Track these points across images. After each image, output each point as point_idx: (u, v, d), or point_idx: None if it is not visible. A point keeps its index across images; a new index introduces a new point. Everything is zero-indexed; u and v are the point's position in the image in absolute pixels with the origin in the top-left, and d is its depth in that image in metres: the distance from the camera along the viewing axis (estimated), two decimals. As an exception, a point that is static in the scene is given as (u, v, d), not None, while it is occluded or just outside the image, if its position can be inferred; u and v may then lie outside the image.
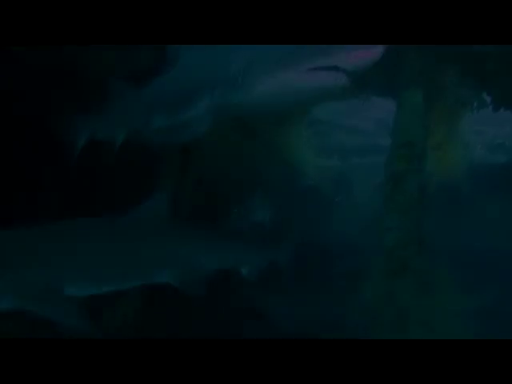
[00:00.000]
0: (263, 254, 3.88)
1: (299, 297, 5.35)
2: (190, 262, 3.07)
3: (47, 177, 4.75)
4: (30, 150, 4.53)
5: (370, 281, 3.66)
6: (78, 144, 4.18)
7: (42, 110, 4.45)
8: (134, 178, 4.96)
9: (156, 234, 3.10)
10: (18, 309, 2.19)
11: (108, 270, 2.69)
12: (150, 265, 2.92)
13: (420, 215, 3.95)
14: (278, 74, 2.62)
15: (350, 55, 2.40)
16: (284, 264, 3.98)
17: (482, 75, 4.47)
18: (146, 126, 3.67)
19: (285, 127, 8.64)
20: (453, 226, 8.69)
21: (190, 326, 4.16)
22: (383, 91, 6.11)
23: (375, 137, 11.21)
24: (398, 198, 3.91)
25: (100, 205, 3.51)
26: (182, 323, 4.15)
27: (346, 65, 2.43)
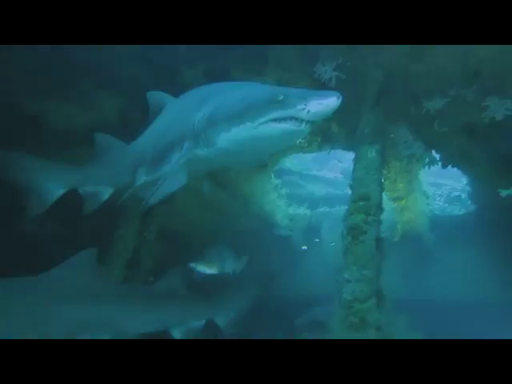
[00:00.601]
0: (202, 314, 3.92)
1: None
2: (123, 325, 3.04)
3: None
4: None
5: (331, 334, 3.61)
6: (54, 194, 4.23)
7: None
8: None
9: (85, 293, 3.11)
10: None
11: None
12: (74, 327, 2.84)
13: (379, 267, 4.02)
14: (238, 127, 2.75)
15: (309, 105, 2.57)
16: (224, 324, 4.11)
17: (430, 135, 4.84)
18: (131, 183, 3.86)
19: (255, 178, 8.87)
20: (416, 277, 8.88)
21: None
22: (347, 144, 6.46)
23: (343, 186, 11.57)
24: (356, 249, 3.98)
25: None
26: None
27: (305, 115, 2.61)
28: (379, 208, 4.25)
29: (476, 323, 7.07)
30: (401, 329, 3.72)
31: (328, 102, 2.58)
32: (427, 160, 5.02)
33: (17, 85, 5.07)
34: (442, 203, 9.92)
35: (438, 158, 4.97)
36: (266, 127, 2.69)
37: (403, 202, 7.83)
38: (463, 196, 9.25)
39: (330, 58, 4.83)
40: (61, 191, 4.29)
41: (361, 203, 4.17)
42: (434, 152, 4.96)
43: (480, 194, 7.62)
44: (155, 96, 3.97)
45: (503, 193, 3.98)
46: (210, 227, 8.24)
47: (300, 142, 7.49)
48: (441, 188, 10.28)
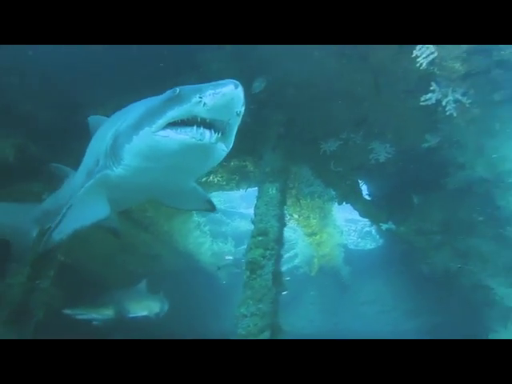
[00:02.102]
0: None
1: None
2: None
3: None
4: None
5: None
6: None
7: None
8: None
9: None
10: None
11: None
12: None
13: (275, 301, 4.11)
14: (138, 135, 2.48)
15: (205, 97, 2.26)
16: None
17: (328, 174, 5.26)
18: None
19: (176, 216, 8.78)
20: (333, 309, 9.19)
21: None
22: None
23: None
24: (254, 284, 4.05)
25: None
26: None
27: (202, 111, 2.27)
28: (278, 243, 4.40)
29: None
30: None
31: (224, 91, 2.18)
32: (326, 197, 5.39)
33: None
34: (355, 238, 10.61)
35: (335, 195, 5.37)
36: (165, 135, 2.33)
37: (318, 237, 8.21)
38: (373, 231, 9.99)
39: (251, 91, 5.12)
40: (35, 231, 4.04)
41: (260, 238, 4.30)
42: (331, 190, 5.35)
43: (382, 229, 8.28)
44: (95, 120, 3.63)
45: (383, 227, 4.37)
46: (130, 268, 7.89)
47: (218, 180, 7.67)
48: (356, 224, 11.01)
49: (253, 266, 4.15)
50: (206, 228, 9.92)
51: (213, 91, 2.22)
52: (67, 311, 4.54)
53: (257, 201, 4.71)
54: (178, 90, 2.33)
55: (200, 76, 5.01)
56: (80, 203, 2.80)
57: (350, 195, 5.14)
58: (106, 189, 2.84)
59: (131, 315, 5.33)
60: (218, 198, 12.20)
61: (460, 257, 4.47)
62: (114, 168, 2.70)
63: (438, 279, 4.94)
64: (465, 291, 4.58)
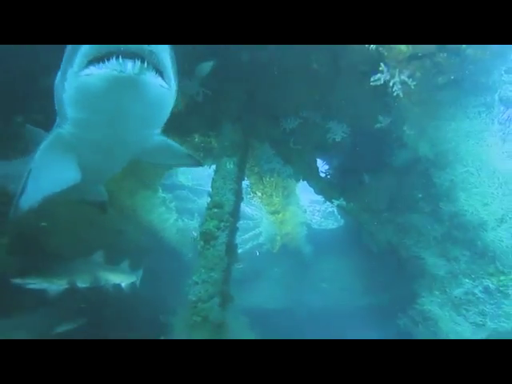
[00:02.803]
0: None
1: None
2: None
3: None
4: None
5: (175, 333, 3.70)
6: None
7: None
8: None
9: None
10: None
11: None
12: None
13: (228, 270, 4.26)
14: (67, 79, 2.33)
15: None
16: None
17: (287, 152, 5.39)
18: None
19: (140, 192, 8.72)
20: (295, 286, 9.51)
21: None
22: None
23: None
24: (207, 253, 4.18)
25: None
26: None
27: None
28: (233, 215, 4.53)
29: (344, 325, 7.79)
30: (241, 327, 3.96)
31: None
32: (285, 174, 5.53)
33: None
34: (319, 218, 10.92)
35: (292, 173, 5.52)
36: (88, 73, 2.18)
37: (281, 215, 8.40)
38: (335, 211, 10.30)
39: (195, 73, 5.11)
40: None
41: (215, 210, 4.41)
42: (290, 167, 5.49)
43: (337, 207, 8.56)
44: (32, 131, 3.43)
45: (335, 203, 4.57)
46: (92, 243, 7.84)
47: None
48: (321, 205, 11.31)
49: (207, 237, 4.28)
50: (172, 204, 9.90)
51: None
52: (17, 280, 4.49)
53: (214, 174, 4.81)
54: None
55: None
56: (43, 167, 2.67)
57: (306, 173, 5.30)
58: (71, 152, 2.73)
59: (84, 286, 5.32)
60: (185, 175, 12.17)
61: (401, 232, 4.75)
62: (64, 125, 2.61)
63: (383, 255, 5.24)
64: (403, 264, 4.90)
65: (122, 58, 2.10)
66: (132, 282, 6.96)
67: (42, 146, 2.68)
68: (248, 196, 7.93)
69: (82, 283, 5.62)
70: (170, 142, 3.14)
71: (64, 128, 2.64)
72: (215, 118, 5.40)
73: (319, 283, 9.54)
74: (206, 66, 4.62)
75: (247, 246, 10.03)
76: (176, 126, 6.19)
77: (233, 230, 4.57)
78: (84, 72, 2.18)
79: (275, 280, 9.84)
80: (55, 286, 4.86)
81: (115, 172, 3.52)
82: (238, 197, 4.76)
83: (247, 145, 5.13)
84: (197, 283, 3.95)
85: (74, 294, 5.23)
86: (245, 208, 11.52)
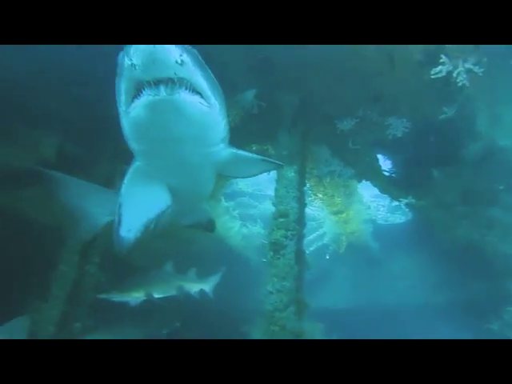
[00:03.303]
0: None
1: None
2: None
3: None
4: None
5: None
6: None
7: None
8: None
9: None
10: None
11: None
12: None
13: (299, 278, 4.32)
14: (122, 117, 2.49)
15: (131, 57, 2.20)
16: None
17: (346, 152, 5.31)
18: None
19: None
20: (365, 285, 9.30)
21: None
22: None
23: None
24: (277, 263, 4.27)
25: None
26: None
27: (138, 73, 2.22)
28: (299, 223, 4.58)
29: (417, 324, 7.47)
30: (318, 333, 4.00)
31: (140, 46, 2.10)
32: (346, 176, 5.46)
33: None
34: (385, 213, 10.53)
35: (353, 174, 5.43)
36: (134, 107, 2.33)
37: (344, 214, 8.27)
38: (402, 205, 9.87)
39: (248, 87, 5.26)
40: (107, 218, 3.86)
41: (281, 220, 4.49)
42: (351, 168, 5.41)
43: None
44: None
45: (403, 202, 4.42)
46: (163, 252, 8.34)
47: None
48: (385, 199, 10.92)
49: (275, 247, 4.37)
50: (236, 212, 10.19)
51: (133, 49, 2.13)
52: (103, 296, 4.94)
53: (276, 184, 4.88)
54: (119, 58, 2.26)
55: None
56: (131, 198, 2.84)
57: (368, 172, 5.18)
58: (153, 179, 2.88)
59: (160, 296, 5.64)
60: (245, 181, 12.44)
61: (482, 227, 4.45)
62: (137, 157, 2.80)
63: (459, 251, 4.94)
64: (486, 261, 4.57)
65: (155, 84, 2.21)
66: (201, 290, 7.21)
67: (125, 180, 2.88)
68: (309, 198, 7.94)
69: (157, 294, 5.97)
70: (241, 152, 3.15)
71: (138, 160, 2.84)
72: (271, 128, 5.50)
73: (389, 280, 9.24)
74: (249, 94, 4.77)
75: (312, 248, 10.01)
76: (232, 138, 6.48)
77: (300, 238, 4.62)
78: (131, 108, 2.34)
79: (344, 279, 9.71)
80: (134, 298, 5.26)
81: (207, 190, 3.58)
82: (302, 203, 4.80)
83: (305, 150, 5.15)
84: (271, 293, 4.05)
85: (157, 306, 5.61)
86: (306, 209, 11.49)
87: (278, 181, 4.87)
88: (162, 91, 2.21)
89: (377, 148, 5.15)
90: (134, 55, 2.12)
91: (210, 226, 4.41)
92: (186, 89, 2.27)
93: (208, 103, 2.39)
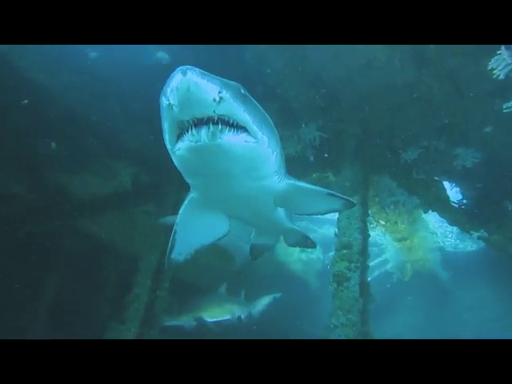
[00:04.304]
0: None
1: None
2: None
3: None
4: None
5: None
6: None
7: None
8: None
9: None
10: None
11: None
12: None
13: (364, 311, 4.30)
14: (170, 155, 2.46)
15: (168, 98, 2.13)
16: None
17: (410, 182, 5.23)
18: None
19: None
20: (433, 316, 8.78)
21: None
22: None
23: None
24: (341, 295, 4.31)
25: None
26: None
27: (177, 113, 2.15)
28: (362, 255, 4.58)
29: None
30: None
31: (175, 85, 2.00)
32: (411, 205, 5.35)
33: (46, 161, 5.98)
34: (453, 240, 9.93)
35: (419, 203, 5.30)
36: (177, 149, 2.30)
37: (408, 241, 8.00)
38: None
39: (311, 120, 5.45)
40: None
41: (344, 251, 4.54)
42: (416, 198, 5.30)
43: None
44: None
45: (474, 235, 4.24)
46: (225, 275, 8.65)
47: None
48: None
49: (339, 279, 4.42)
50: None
51: (170, 89, 2.03)
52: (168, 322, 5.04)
53: (338, 214, 4.95)
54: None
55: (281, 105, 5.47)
56: (186, 226, 2.92)
57: (435, 203, 5.04)
58: (209, 208, 2.90)
59: (213, 320, 5.73)
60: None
61: None
62: (192, 189, 2.83)
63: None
64: None
65: (195, 127, 2.12)
66: (249, 313, 7.23)
67: (181, 209, 2.93)
68: (371, 225, 7.80)
69: (210, 318, 6.06)
70: (301, 184, 2.86)
71: (193, 191, 2.85)
72: (333, 158, 5.61)
73: (463, 312, 8.63)
74: (311, 127, 4.95)
75: (375, 274, 9.73)
76: (293, 168, 6.67)
77: (364, 269, 4.61)
78: (175, 148, 2.28)
79: (411, 309, 9.27)
80: (188, 322, 5.43)
81: (275, 218, 3.41)
82: (365, 234, 4.80)
83: (367, 180, 5.17)
84: (336, 326, 4.08)
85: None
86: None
87: (340, 211, 4.94)
88: (204, 136, 2.11)
89: (444, 178, 5.01)
90: (171, 95, 2.03)
91: (308, 243, 4.17)
92: (229, 127, 2.16)
93: (255, 138, 2.27)
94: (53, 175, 6.15)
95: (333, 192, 2.90)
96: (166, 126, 2.24)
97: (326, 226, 11.92)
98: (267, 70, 4.84)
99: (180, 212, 2.93)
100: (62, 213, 6.45)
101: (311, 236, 12.42)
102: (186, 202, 2.91)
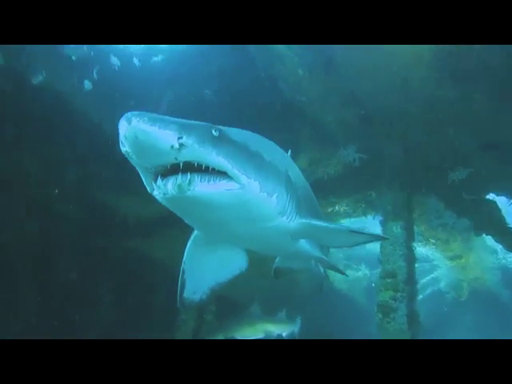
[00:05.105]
0: None
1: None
2: None
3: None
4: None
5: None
6: None
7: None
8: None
9: None
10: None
11: None
12: None
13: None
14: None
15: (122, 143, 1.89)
16: None
17: (460, 203, 4.92)
18: None
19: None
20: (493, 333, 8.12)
21: None
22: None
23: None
24: (388, 327, 4.13)
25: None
26: None
27: (132, 158, 1.92)
28: (409, 283, 4.37)
29: None
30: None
31: (123, 133, 1.76)
32: (461, 228, 5.04)
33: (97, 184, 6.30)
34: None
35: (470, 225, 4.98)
36: (155, 195, 2.02)
37: (463, 260, 7.50)
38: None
39: (349, 142, 5.35)
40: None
41: (388, 280, 4.35)
42: (466, 220, 4.98)
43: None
44: None
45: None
46: (269, 292, 8.61)
47: (344, 209, 7.85)
48: None
49: (384, 309, 4.24)
50: (340, 255, 10.01)
51: (121, 136, 1.77)
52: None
53: (381, 242, 4.77)
54: None
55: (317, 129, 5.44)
56: (194, 265, 2.72)
57: (488, 226, 4.69)
58: (220, 245, 2.66)
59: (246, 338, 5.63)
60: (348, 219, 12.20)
61: None
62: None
63: None
64: None
65: (162, 176, 1.87)
66: (292, 332, 7.05)
67: (187, 248, 2.69)
68: (419, 243, 7.42)
69: (241, 337, 5.96)
70: (318, 223, 2.50)
71: (195, 231, 2.64)
72: (374, 179, 5.44)
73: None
74: (350, 149, 4.86)
75: (427, 292, 9.21)
76: (334, 188, 6.54)
77: (412, 299, 4.39)
78: (153, 194, 2.01)
79: (470, 329, 8.64)
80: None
81: (290, 251, 3.05)
82: (411, 262, 4.58)
83: (412, 203, 4.94)
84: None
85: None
86: (417, 249, 10.66)
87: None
88: (170, 188, 1.83)
89: (500, 199, 4.67)
90: (125, 142, 1.77)
91: (340, 272, 3.79)
92: (202, 173, 1.84)
93: (238, 183, 1.91)
94: (103, 195, 6.40)
95: (356, 229, 2.51)
96: (140, 171, 1.98)
97: (373, 243, 11.51)
98: (303, 99, 4.83)
99: (186, 250, 2.67)
100: (113, 232, 6.73)
101: (357, 252, 12.00)
102: (191, 239, 2.66)
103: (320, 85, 4.60)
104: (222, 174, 1.87)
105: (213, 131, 1.88)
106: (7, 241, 5.52)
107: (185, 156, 1.79)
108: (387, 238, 2.77)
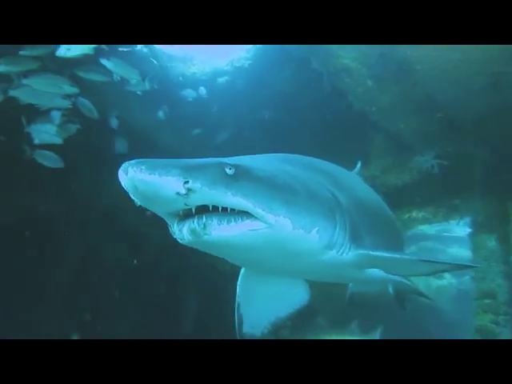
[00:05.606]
0: None
1: None
2: None
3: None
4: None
5: None
6: None
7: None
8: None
9: None
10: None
11: None
12: None
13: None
14: None
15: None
16: None
17: None
18: None
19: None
20: None
21: None
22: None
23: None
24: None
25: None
26: None
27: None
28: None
29: None
30: None
31: (123, 183, 1.64)
32: None
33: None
34: None
35: None
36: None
37: None
38: None
39: (426, 147, 4.95)
40: None
41: (486, 301, 3.90)
42: None
43: None
44: None
45: None
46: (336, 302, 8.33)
47: (423, 215, 7.31)
48: None
49: (484, 335, 3.80)
50: (420, 259, 9.34)
51: (123, 183, 1.64)
52: None
53: (473, 255, 4.32)
54: None
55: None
56: (248, 298, 2.55)
57: None
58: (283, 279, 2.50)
59: None
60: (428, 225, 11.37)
61: None
62: None
63: None
64: None
65: (179, 221, 1.72)
66: None
67: (239, 281, 2.54)
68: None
69: None
70: (378, 254, 2.17)
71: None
72: (459, 187, 4.96)
73: None
74: (428, 155, 4.54)
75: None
76: (411, 197, 6.10)
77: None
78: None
79: None
80: None
81: (357, 280, 2.94)
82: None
83: (507, 212, 4.40)
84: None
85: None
86: None
87: (474, 251, 4.31)
88: (186, 234, 1.68)
89: None
90: (129, 190, 1.65)
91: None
92: (220, 215, 1.67)
93: (265, 223, 1.71)
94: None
95: (430, 258, 2.14)
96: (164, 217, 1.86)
97: (456, 246, 10.59)
98: (372, 109, 4.60)
99: (238, 283, 2.50)
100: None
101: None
102: (241, 272, 2.49)
103: (391, 93, 4.33)
104: (244, 213, 1.68)
105: (227, 169, 1.68)
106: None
107: (195, 201, 1.63)
108: (476, 267, 2.35)
